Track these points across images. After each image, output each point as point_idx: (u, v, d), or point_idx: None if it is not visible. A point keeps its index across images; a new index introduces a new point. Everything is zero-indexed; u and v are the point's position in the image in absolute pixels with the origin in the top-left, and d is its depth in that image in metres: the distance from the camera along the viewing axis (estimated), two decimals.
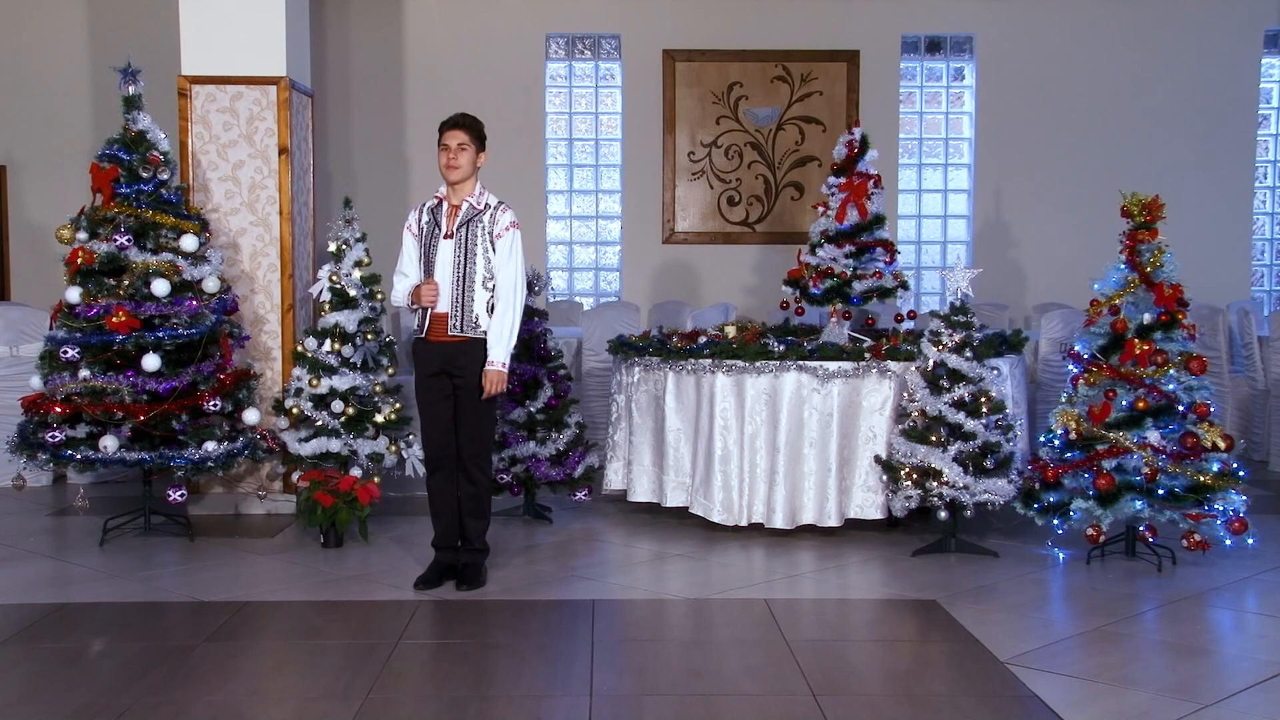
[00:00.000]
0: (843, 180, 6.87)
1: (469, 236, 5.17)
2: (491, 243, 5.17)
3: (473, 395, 5.17)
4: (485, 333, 5.16)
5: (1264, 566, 5.60)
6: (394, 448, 6.28)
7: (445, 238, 5.17)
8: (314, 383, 6.16)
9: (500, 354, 5.16)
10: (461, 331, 5.16)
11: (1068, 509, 5.56)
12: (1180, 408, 5.48)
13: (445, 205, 5.24)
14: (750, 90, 10.12)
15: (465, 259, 5.15)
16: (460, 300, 5.15)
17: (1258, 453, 8.18)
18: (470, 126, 5.20)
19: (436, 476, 5.30)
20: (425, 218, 5.26)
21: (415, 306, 5.21)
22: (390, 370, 6.44)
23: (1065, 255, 10.01)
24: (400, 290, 5.30)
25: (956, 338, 5.76)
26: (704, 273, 10.12)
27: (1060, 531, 5.70)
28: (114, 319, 5.74)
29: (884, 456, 5.93)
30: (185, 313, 5.90)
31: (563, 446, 6.44)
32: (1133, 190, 5.74)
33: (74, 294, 5.85)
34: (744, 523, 6.13)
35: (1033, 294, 10.13)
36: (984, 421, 5.67)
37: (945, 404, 5.66)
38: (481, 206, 5.21)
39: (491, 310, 5.17)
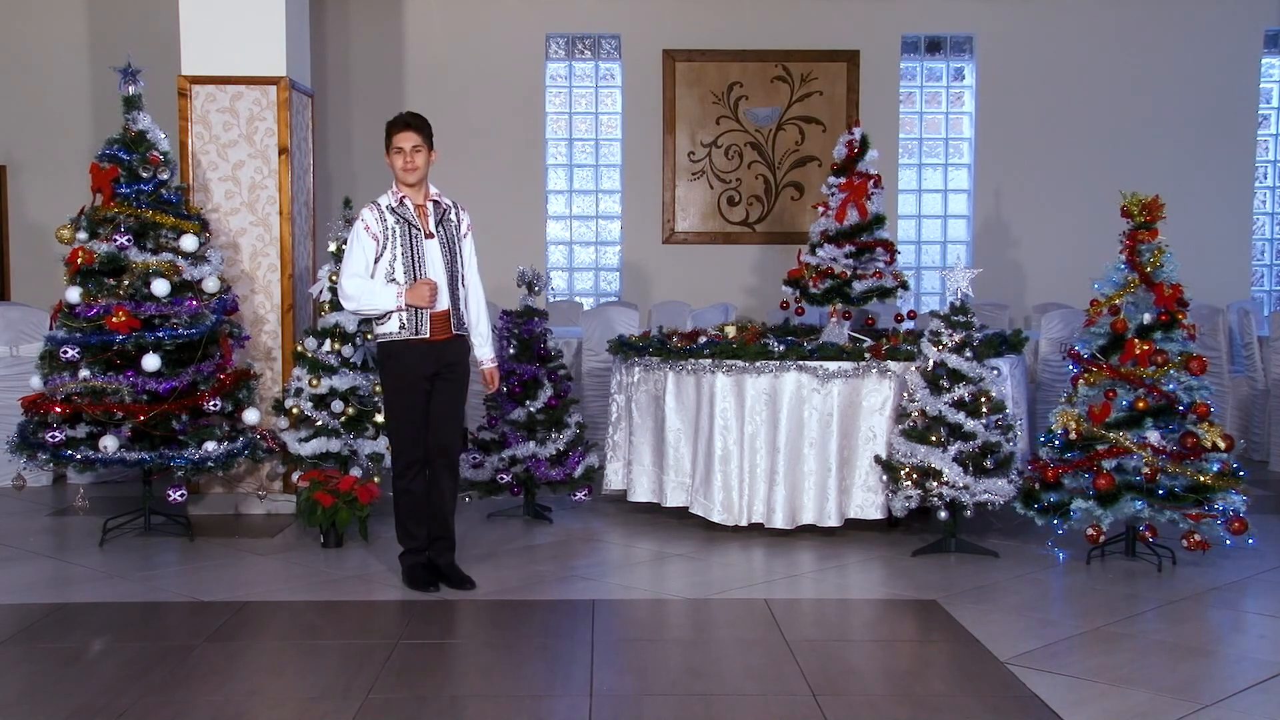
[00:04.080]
0: (843, 180, 6.87)
1: (447, 235, 5.19)
2: (460, 242, 5.24)
3: (459, 390, 5.25)
4: (469, 329, 5.27)
5: (1264, 566, 5.60)
6: (390, 446, 6.27)
7: (427, 237, 5.14)
8: (314, 383, 6.16)
9: (491, 351, 5.41)
10: (458, 329, 5.19)
11: (1068, 509, 5.56)
12: (1180, 408, 5.48)
13: (410, 204, 5.16)
14: (750, 90, 10.12)
15: (452, 257, 5.18)
16: (455, 298, 5.17)
17: (1258, 453, 8.18)
18: (421, 127, 5.16)
19: (415, 480, 5.21)
20: (389, 218, 5.11)
21: (406, 308, 5.04)
22: None
23: (1065, 255, 10.02)
24: (376, 293, 5.04)
25: (956, 338, 5.76)
26: (704, 273, 10.11)
27: (1060, 531, 5.69)
28: (114, 319, 5.74)
29: (884, 456, 5.93)
30: (185, 313, 5.90)
31: (563, 446, 6.44)
32: (1133, 190, 5.74)
33: (74, 294, 5.85)
34: (744, 523, 6.13)
35: (1033, 294, 10.13)
36: (984, 421, 5.67)
37: (945, 404, 5.66)
38: (446, 205, 5.25)
39: (468, 306, 5.26)
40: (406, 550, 5.31)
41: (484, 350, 5.37)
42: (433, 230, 5.16)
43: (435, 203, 5.21)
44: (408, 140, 5.12)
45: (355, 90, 10.00)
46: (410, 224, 5.14)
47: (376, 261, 5.11)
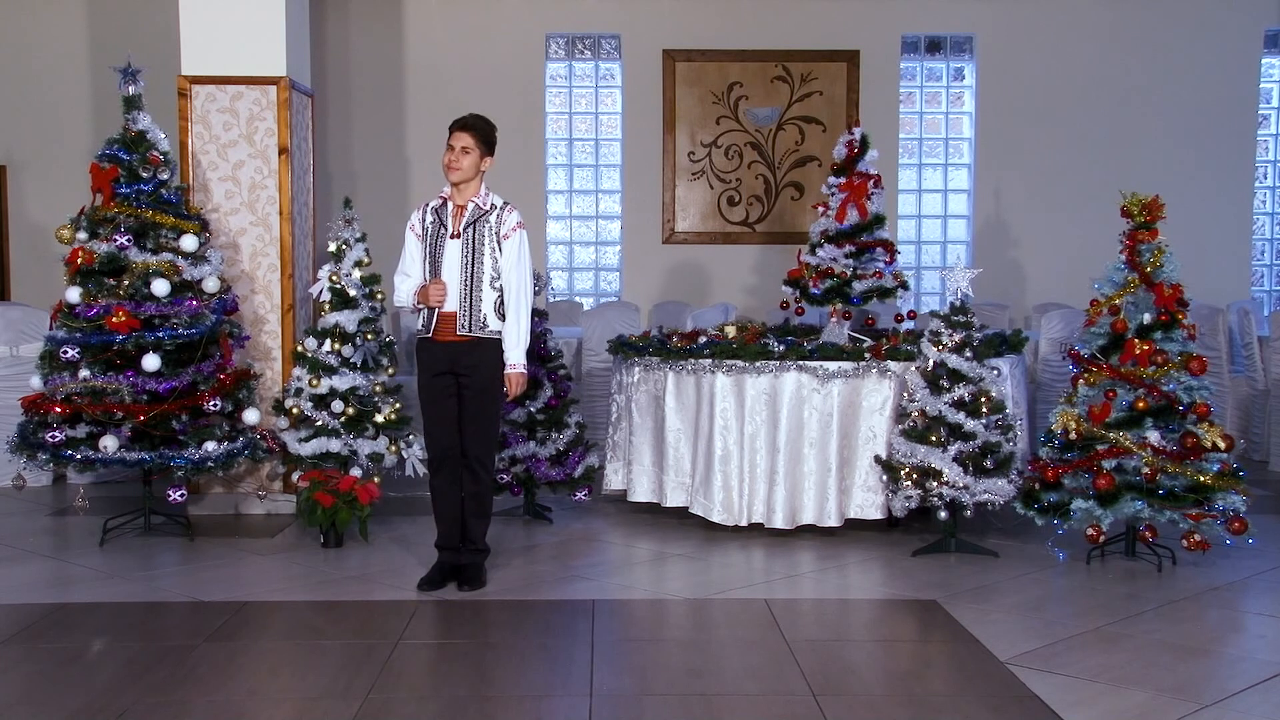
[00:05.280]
0: (843, 180, 6.87)
1: (476, 236, 5.16)
2: (499, 243, 5.18)
3: (480, 395, 5.19)
4: (494, 333, 5.18)
5: (1264, 566, 5.60)
6: (394, 448, 6.28)
7: (452, 238, 5.16)
8: (314, 383, 6.16)
9: (519, 356, 5.24)
10: (469, 331, 5.15)
11: (1068, 509, 5.56)
12: (1180, 408, 5.48)
13: (450, 205, 5.22)
14: (750, 90, 10.11)
15: (473, 259, 5.15)
16: (469, 300, 5.14)
17: (1258, 453, 8.18)
18: (478, 129, 5.18)
19: (441, 477, 5.28)
20: (429, 218, 5.24)
21: (421, 306, 5.19)
22: (390, 370, 6.44)
23: (1065, 255, 10.01)
24: (404, 291, 5.27)
25: (956, 338, 5.76)
26: (704, 273, 10.12)
27: (1060, 531, 5.70)
28: (114, 319, 5.74)
29: (884, 456, 5.93)
30: (185, 313, 5.90)
31: (563, 446, 6.44)
32: (1132, 190, 5.74)
33: (74, 294, 5.85)
34: (744, 523, 6.13)
35: (1033, 294, 10.13)
36: (984, 421, 5.67)
37: (945, 404, 5.66)
38: (488, 207, 5.22)
39: (499, 310, 5.18)
40: (436, 545, 5.38)
41: (510, 354, 5.22)
42: (459, 231, 5.17)
43: (476, 205, 5.21)
44: (459, 140, 5.17)
45: (355, 90, 10.00)
46: (442, 224, 5.19)
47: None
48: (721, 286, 10.06)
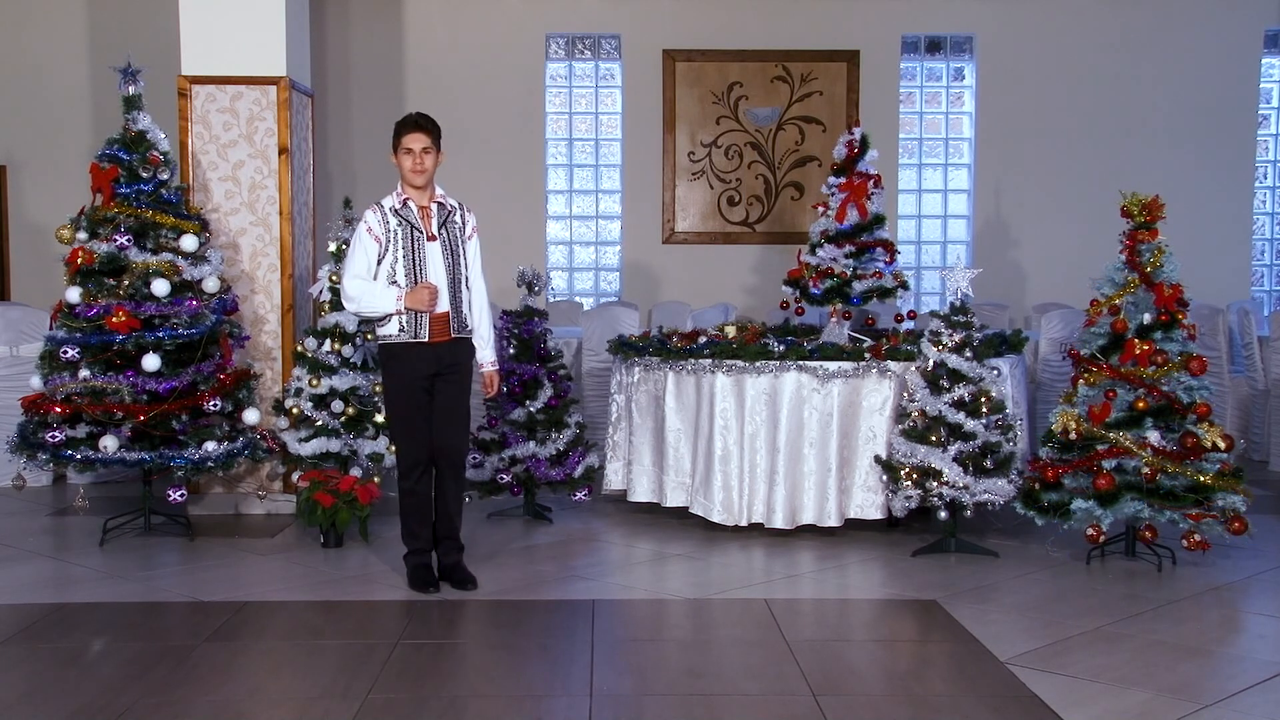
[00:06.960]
0: (843, 180, 6.87)
1: (450, 237, 5.17)
2: (464, 244, 5.21)
3: (462, 393, 5.22)
4: (470, 331, 5.23)
5: (1264, 566, 5.60)
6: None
7: (430, 240, 5.13)
8: (314, 383, 6.17)
9: (493, 354, 5.38)
10: (458, 332, 5.16)
11: (1068, 509, 5.55)
12: (1180, 408, 5.48)
13: (414, 206, 5.15)
14: (750, 90, 10.11)
15: (454, 260, 5.15)
16: (456, 300, 5.15)
17: (1258, 453, 8.18)
18: (431, 129, 5.15)
19: (418, 481, 5.22)
20: (392, 220, 5.11)
21: (407, 310, 5.04)
22: None
23: (1065, 255, 10.01)
24: (376, 295, 5.04)
25: (956, 338, 5.76)
26: (704, 273, 10.11)
27: (1060, 531, 5.69)
28: (114, 319, 5.74)
29: (884, 456, 5.93)
30: (185, 313, 5.90)
31: (563, 446, 6.44)
32: (1133, 190, 5.74)
33: (74, 294, 5.85)
34: (744, 523, 6.13)
35: (1033, 294, 10.13)
36: (984, 421, 5.67)
37: (945, 404, 5.66)
38: (450, 206, 5.22)
39: (470, 309, 5.22)
40: (410, 551, 5.31)
41: (484, 353, 5.34)
42: (435, 233, 5.14)
43: (440, 204, 5.20)
44: (418, 141, 5.10)
45: (355, 90, 10.00)
46: (413, 226, 5.12)
47: (379, 263, 5.11)
48: (721, 286, 10.05)
